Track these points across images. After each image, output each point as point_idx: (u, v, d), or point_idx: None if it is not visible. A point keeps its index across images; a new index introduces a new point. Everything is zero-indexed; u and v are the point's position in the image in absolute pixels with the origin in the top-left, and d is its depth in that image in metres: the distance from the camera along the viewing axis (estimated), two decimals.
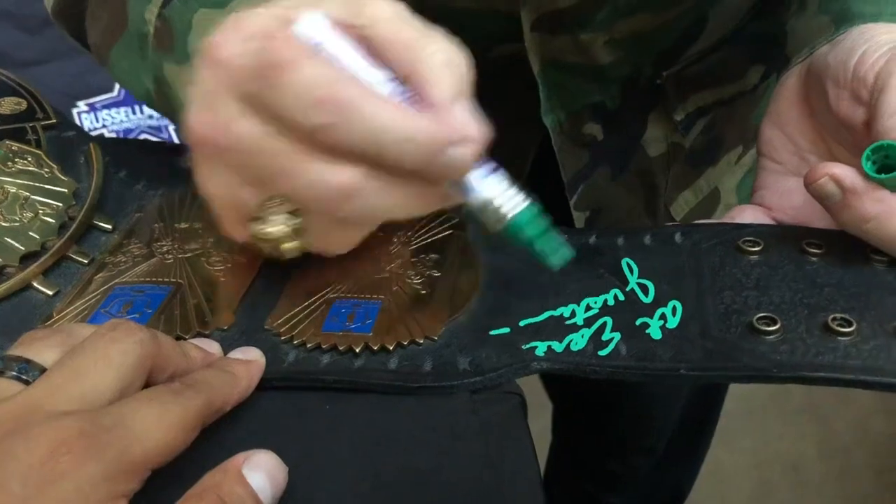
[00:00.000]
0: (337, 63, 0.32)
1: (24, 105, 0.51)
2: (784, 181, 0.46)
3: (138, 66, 0.45)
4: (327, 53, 0.32)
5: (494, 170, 0.34)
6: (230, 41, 0.32)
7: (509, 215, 0.33)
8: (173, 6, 0.42)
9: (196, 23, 0.41)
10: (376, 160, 0.32)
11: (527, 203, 0.34)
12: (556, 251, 0.35)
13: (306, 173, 0.32)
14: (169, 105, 0.44)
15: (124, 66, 0.47)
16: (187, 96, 0.34)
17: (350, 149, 0.31)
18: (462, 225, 0.45)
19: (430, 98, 0.32)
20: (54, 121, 0.50)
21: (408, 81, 0.33)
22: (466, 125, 0.32)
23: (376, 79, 0.33)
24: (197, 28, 0.40)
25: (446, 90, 0.32)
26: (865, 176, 0.37)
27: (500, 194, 0.33)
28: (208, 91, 0.33)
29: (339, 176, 0.32)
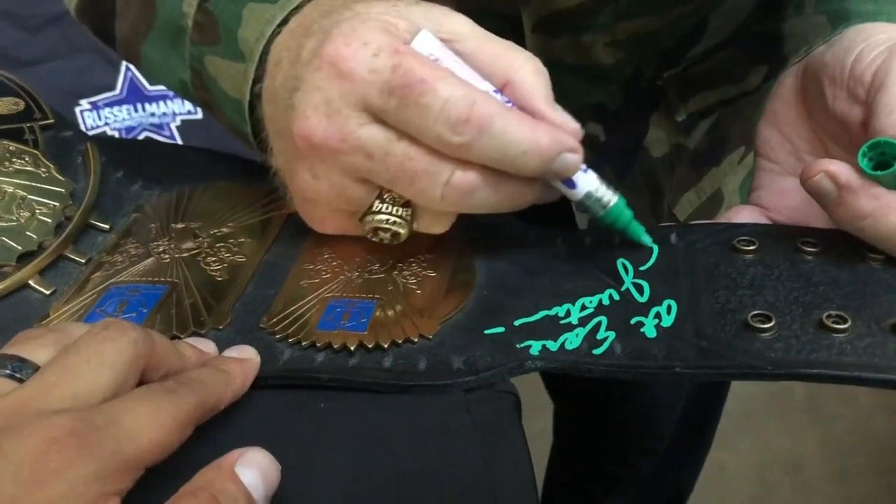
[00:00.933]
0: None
1: (22, 105, 0.51)
2: (781, 181, 0.46)
3: (172, 58, 0.46)
4: (443, 67, 0.36)
5: (587, 168, 0.39)
6: (357, 54, 0.35)
7: (611, 203, 0.40)
8: (217, 0, 0.43)
9: (246, 17, 0.41)
10: (500, 167, 0.36)
11: (619, 194, 0.40)
12: (646, 233, 0.41)
13: (435, 176, 0.36)
14: (209, 96, 0.45)
15: (156, 59, 0.48)
16: (299, 101, 0.37)
17: (481, 159, 0.36)
18: (457, 225, 0.45)
19: (532, 104, 0.37)
20: (52, 121, 0.50)
21: (504, 90, 0.37)
22: (572, 130, 0.37)
23: (487, 89, 0.37)
24: (248, 22, 0.41)
25: (545, 97, 0.37)
26: (861, 173, 0.37)
27: (598, 187, 0.39)
28: (328, 98, 0.36)
29: (463, 178, 0.36)
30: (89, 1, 0.53)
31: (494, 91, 0.37)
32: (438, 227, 0.40)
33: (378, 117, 0.36)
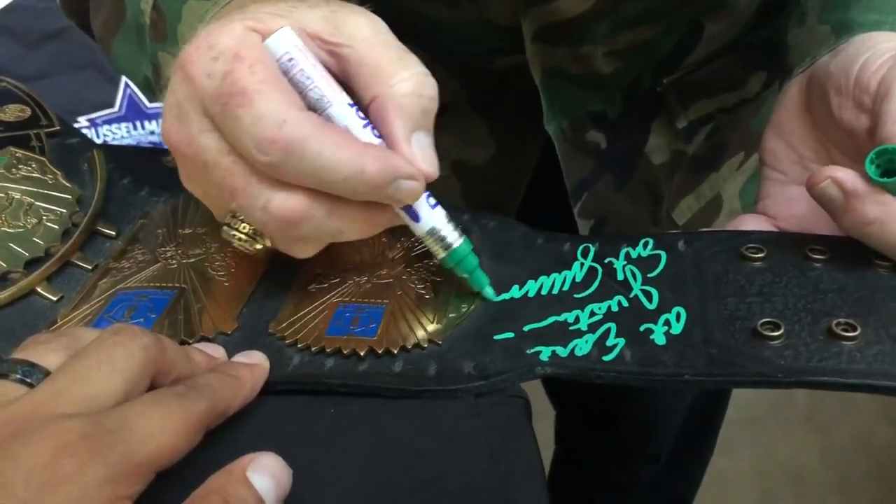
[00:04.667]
0: (305, 81, 0.34)
1: (28, 112, 0.51)
2: (787, 190, 0.46)
3: (137, 55, 0.46)
4: (295, 71, 0.34)
5: (436, 204, 0.37)
6: (201, 58, 0.33)
7: (454, 245, 0.38)
8: None
9: (185, 14, 0.41)
10: (325, 191, 0.33)
11: (465, 238, 0.38)
12: (489, 284, 0.40)
13: (255, 198, 0.34)
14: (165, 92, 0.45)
15: (125, 55, 0.48)
16: (164, 101, 0.36)
17: (299, 183, 0.33)
18: (465, 230, 0.45)
19: (387, 127, 0.34)
20: (58, 128, 0.50)
21: (371, 105, 0.35)
22: (417, 161, 0.34)
23: (339, 101, 0.34)
24: (186, 18, 0.41)
25: (407, 121, 0.34)
26: (868, 179, 0.37)
27: (444, 226, 0.38)
28: (179, 101, 0.34)
29: (286, 204, 0.33)
30: None
31: (351, 105, 0.35)
32: (296, 251, 0.38)
33: (216, 127, 0.34)
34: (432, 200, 0.37)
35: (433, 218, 0.37)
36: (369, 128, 0.35)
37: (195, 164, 0.35)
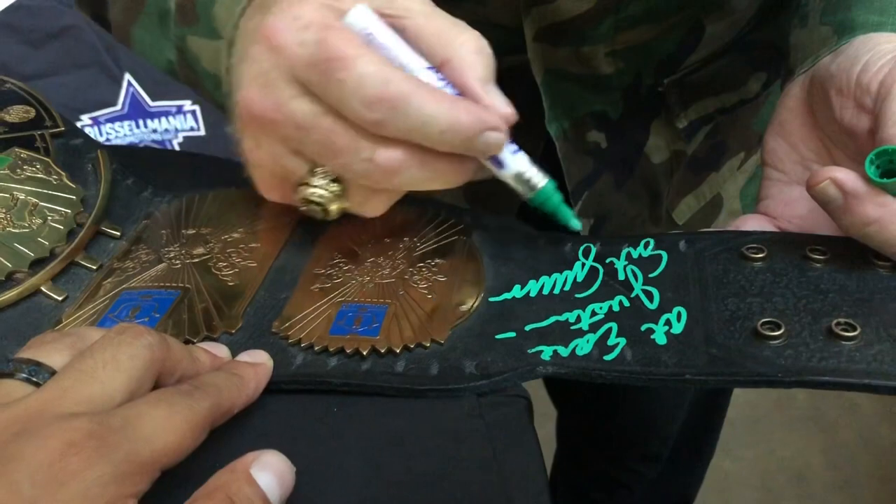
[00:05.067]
0: (385, 52, 0.37)
1: (33, 113, 0.51)
2: (789, 191, 0.46)
3: (159, 40, 0.47)
4: (377, 43, 0.37)
5: (518, 149, 0.40)
6: (288, 28, 0.35)
7: (540, 184, 0.41)
8: None
9: None
10: (422, 144, 0.36)
11: (548, 177, 0.41)
12: (574, 217, 0.42)
13: (357, 152, 0.36)
14: (194, 75, 0.46)
15: (146, 41, 0.49)
16: (240, 73, 0.37)
17: (399, 136, 0.36)
18: (467, 230, 0.45)
19: (466, 83, 0.37)
20: (62, 129, 0.51)
21: (443, 68, 0.38)
22: (500, 109, 0.37)
23: (419, 66, 0.37)
24: (221, 2, 0.42)
25: (480, 75, 0.37)
26: (867, 180, 0.37)
27: (527, 168, 0.40)
28: (264, 70, 0.36)
29: (386, 155, 0.36)
30: None
31: (429, 68, 0.37)
32: (371, 207, 0.40)
33: (309, 90, 0.36)
34: (513, 147, 0.40)
35: (517, 163, 0.40)
36: (449, 87, 0.37)
37: (284, 128, 0.37)
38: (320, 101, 0.36)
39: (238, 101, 0.38)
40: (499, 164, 0.40)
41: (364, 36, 0.36)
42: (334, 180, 0.39)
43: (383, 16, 0.37)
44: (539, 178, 0.41)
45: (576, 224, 0.42)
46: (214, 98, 0.46)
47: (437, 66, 0.38)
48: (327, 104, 0.36)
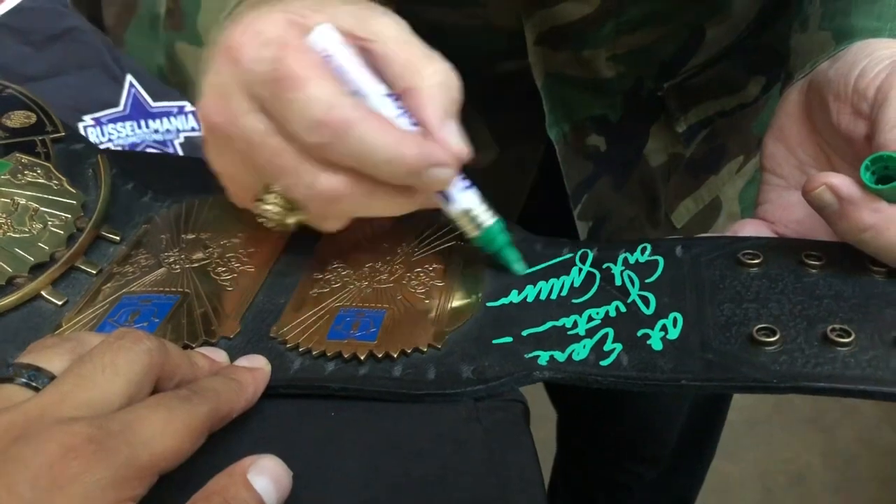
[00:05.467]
0: (343, 74, 0.36)
1: (34, 118, 0.52)
2: (787, 195, 0.46)
3: (151, 44, 0.48)
4: (336, 64, 0.36)
5: (470, 185, 0.40)
6: (249, 43, 0.35)
7: (485, 224, 0.40)
8: None
9: (204, 3, 0.43)
10: (366, 173, 0.36)
11: (497, 217, 0.41)
12: (519, 260, 0.42)
13: (299, 176, 0.36)
14: (181, 80, 0.47)
15: (138, 45, 0.50)
16: (202, 82, 0.37)
17: (343, 163, 0.35)
18: (464, 236, 0.45)
19: (423, 115, 0.37)
20: (62, 134, 0.51)
21: (404, 97, 0.37)
22: (451, 146, 0.37)
23: (377, 92, 0.37)
24: (206, 8, 0.42)
25: (439, 109, 0.37)
26: (863, 186, 0.37)
27: (476, 206, 0.40)
28: (223, 82, 0.36)
29: (327, 183, 0.36)
30: None
31: (387, 95, 0.37)
32: (327, 224, 0.40)
33: (263, 106, 0.36)
34: (465, 182, 0.39)
35: (466, 199, 0.40)
36: (405, 116, 0.37)
37: (237, 142, 0.37)
38: (272, 119, 0.36)
39: (199, 110, 0.38)
40: (446, 198, 0.39)
41: (323, 57, 0.36)
42: (286, 197, 0.38)
43: (353, 37, 0.37)
44: (486, 217, 0.40)
45: (519, 269, 0.42)
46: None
47: (399, 95, 0.37)
48: (279, 123, 0.36)
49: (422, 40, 0.38)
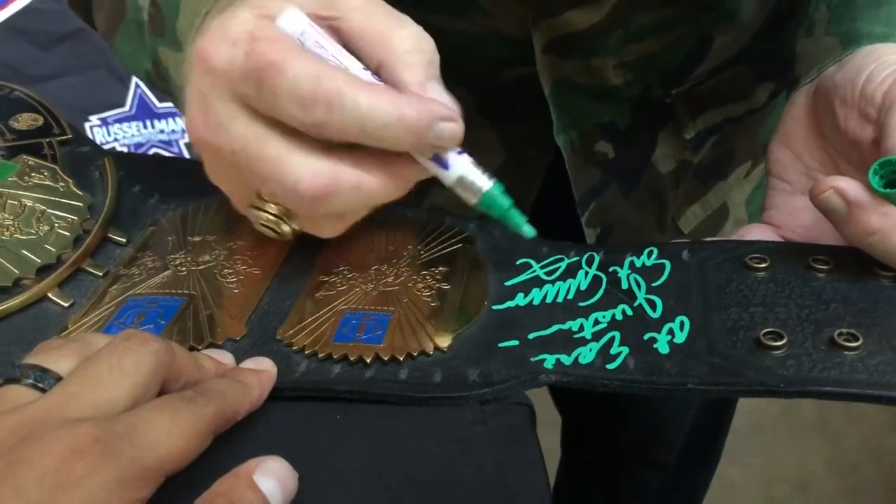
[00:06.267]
0: (318, 54, 0.35)
1: (41, 121, 0.52)
2: (793, 200, 0.46)
3: (138, 49, 0.47)
4: (308, 45, 0.35)
5: (461, 151, 0.37)
6: (219, 48, 0.34)
7: (485, 188, 0.37)
8: None
9: (182, 9, 0.42)
10: (372, 144, 0.34)
11: (494, 179, 0.38)
12: (526, 222, 0.39)
13: (283, 179, 0.35)
14: (166, 85, 0.46)
15: (127, 50, 0.49)
16: (185, 97, 0.37)
17: (345, 138, 0.34)
18: (471, 238, 0.45)
19: (402, 82, 0.35)
20: (69, 136, 0.51)
21: (380, 69, 0.36)
22: (446, 101, 0.35)
23: (354, 67, 0.35)
24: (184, 13, 0.42)
25: (417, 73, 0.35)
26: (871, 190, 0.37)
27: (472, 171, 0.37)
28: (202, 94, 0.35)
29: (315, 180, 0.35)
30: None
31: (363, 69, 0.36)
32: (321, 230, 0.39)
33: (248, 106, 0.35)
34: (457, 148, 0.37)
35: (461, 165, 0.37)
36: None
37: (224, 152, 0.36)
38: (257, 119, 0.35)
39: (186, 124, 0.37)
40: (444, 164, 0.37)
41: (294, 40, 0.35)
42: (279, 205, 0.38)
43: (319, 18, 0.36)
44: (483, 181, 0.38)
45: (528, 231, 0.39)
46: (183, 111, 0.45)
47: (375, 70, 0.36)
48: (267, 117, 0.35)
49: (389, 6, 0.37)
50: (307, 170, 0.35)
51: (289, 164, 0.35)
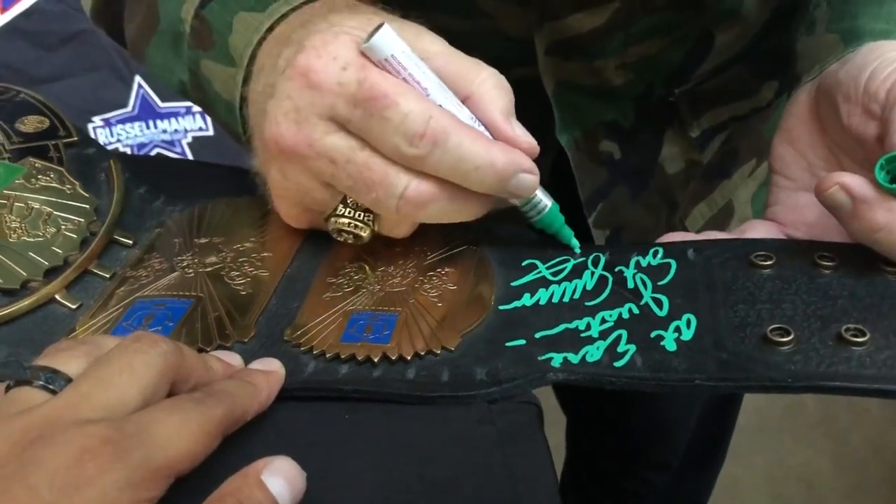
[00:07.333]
0: (414, 80, 0.38)
1: (47, 123, 0.52)
2: (796, 197, 0.46)
3: (172, 60, 0.48)
4: (406, 73, 0.37)
5: None
6: (326, 68, 0.37)
7: (546, 208, 0.42)
8: (212, 7, 0.45)
9: (237, 25, 0.43)
10: (456, 181, 0.38)
11: (552, 200, 0.43)
12: (573, 238, 0.44)
13: (390, 187, 0.38)
14: (204, 96, 0.47)
15: (158, 60, 0.50)
16: (268, 108, 0.39)
17: (434, 172, 0.38)
18: (477, 239, 0.45)
19: (489, 116, 0.39)
20: (75, 138, 0.51)
21: (466, 103, 0.39)
22: (523, 142, 0.39)
23: (450, 99, 0.39)
24: (238, 30, 0.43)
25: (502, 109, 0.39)
26: (877, 186, 0.37)
27: (539, 192, 0.42)
28: (298, 107, 0.38)
29: (418, 191, 0.38)
30: (102, 4, 0.55)
31: (458, 103, 0.39)
32: (399, 231, 0.42)
33: (344, 127, 0.38)
34: None
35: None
36: (476, 121, 0.39)
37: (315, 162, 0.38)
38: (355, 137, 0.38)
39: (267, 136, 0.39)
40: None
41: (387, 58, 0.37)
42: (365, 209, 0.40)
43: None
44: (546, 201, 0.42)
45: (576, 245, 0.44)
46: (226, 121, 0.47)
47: (462, 101, 0.39)
48: (363, 140, 0.38)
49: (463, 53, 0.40)
50: (413, 179, 0.38)
51: (398, 173, 0.38)
